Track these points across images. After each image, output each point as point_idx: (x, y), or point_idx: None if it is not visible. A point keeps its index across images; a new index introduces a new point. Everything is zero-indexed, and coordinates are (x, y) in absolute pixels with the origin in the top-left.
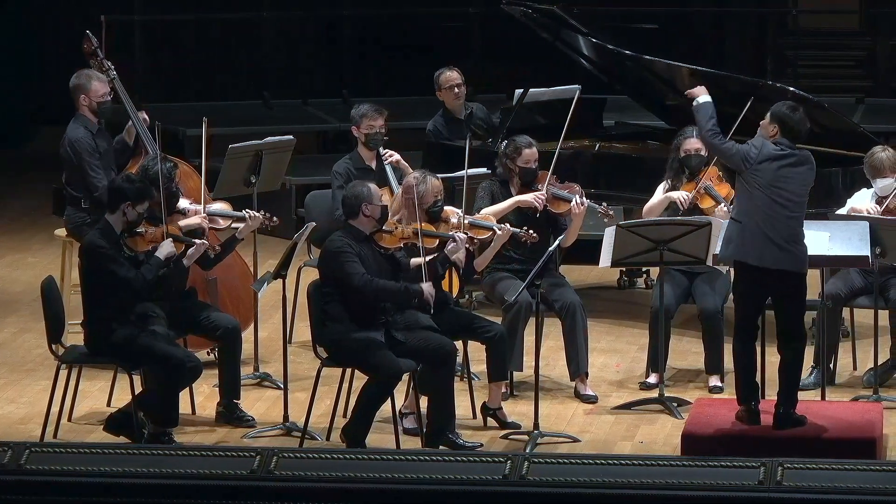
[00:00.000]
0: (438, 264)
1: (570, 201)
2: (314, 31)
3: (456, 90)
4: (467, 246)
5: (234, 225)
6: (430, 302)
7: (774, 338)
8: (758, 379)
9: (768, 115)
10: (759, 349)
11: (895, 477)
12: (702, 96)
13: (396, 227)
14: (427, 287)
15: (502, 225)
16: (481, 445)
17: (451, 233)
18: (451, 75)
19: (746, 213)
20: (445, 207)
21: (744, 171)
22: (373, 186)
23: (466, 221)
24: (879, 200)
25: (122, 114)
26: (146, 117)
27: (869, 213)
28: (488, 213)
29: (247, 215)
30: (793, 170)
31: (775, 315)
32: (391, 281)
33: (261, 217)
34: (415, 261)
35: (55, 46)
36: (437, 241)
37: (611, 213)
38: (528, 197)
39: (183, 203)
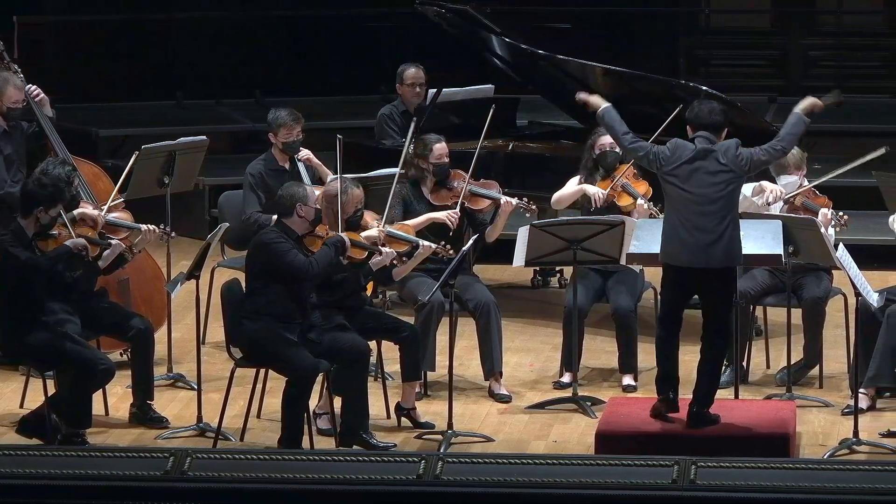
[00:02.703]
0: (362, 277)
1: (492, 199)
2: (227, 31)
3: (417, 89)
4: (393, 262)
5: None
6: (348, 247)
7: (691, 336)
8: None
9: None
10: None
11: (808, 475)
12: (601, 104)
13: (327, 234)
14: (344, 236)
15: (424, 242)
16: (395, 445)
17: (379, 247)
18: (417, 73)
19: (667, 213)
20: (365, 213)
21: (658, 172)
22: (309, 188)
23: (385, 233)
24: (787, 199)
25: (29, 112)
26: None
27: (774, 192)
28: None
29: (143, 228)
30: (703, 164)
31: (701, 311)
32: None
33: (157, 231)
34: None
35: None
36: (365, 252)
37: (533, 207)
38: (441, 215)
39: (87, 208)
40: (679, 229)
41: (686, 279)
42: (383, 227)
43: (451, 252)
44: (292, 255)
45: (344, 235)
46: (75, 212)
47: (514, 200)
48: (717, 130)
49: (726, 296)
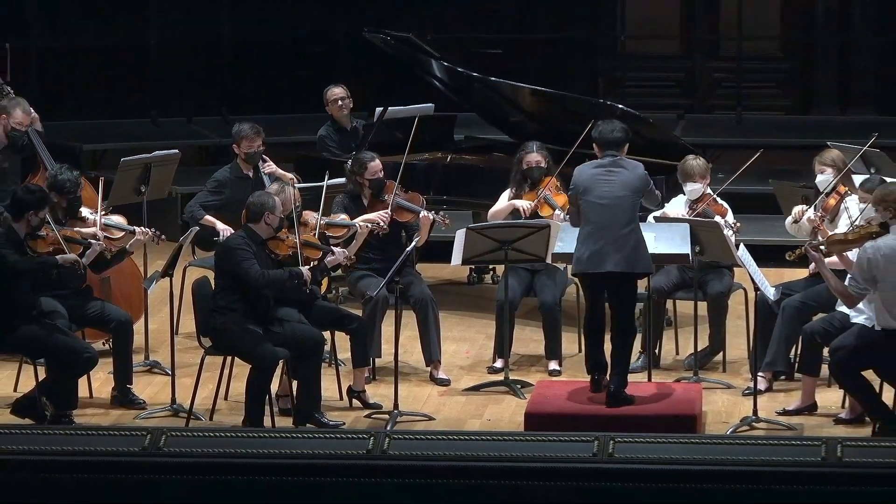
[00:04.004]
0: (317, 273)
1: (413, 212)
2: (195, 56)
3: (340, 103)
4: (345, 262)
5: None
6: (308, 282)
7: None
8: None
9: None
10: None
11: (712, 449)
12: None
13: (287, 237)
14: (305, 270)
15: (360, 223)
16: (344, 424)
17: (332, 248)
18: (337, 91)
19: (581, 229)
20: (304, 212)
21: (580, 198)
22: (278, 199)
23: (323, 222)
24: (691, 205)
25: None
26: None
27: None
28: None
29: (137, 230)
30: (609, 173)
31: (610, 309)
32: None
33: (150, 233)
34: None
35: None
36: (320, 252)
37: (447, 221)
38: (373, 216)
39: (85, 211)
40: (588, 239)
41: (596, 281)
42: (321, 220)
43: (385, 228)
44: (247, 265)
45: (304, 269)
46: (75, 228)
47: (432, 215)
48: (619, 147)
49: (630, 296)
